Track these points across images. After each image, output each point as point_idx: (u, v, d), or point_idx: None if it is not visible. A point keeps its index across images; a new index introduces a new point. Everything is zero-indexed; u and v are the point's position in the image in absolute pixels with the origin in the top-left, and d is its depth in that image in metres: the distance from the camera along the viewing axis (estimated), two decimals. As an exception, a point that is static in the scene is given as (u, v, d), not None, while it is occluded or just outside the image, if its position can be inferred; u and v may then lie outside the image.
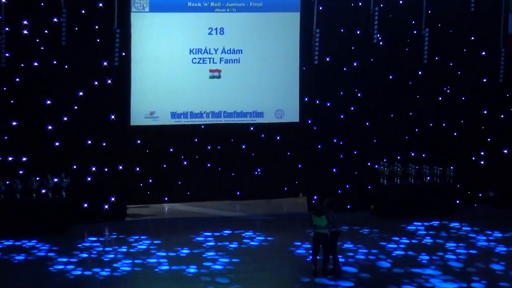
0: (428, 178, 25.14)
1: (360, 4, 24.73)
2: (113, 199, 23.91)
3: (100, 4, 23.23)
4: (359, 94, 25.14)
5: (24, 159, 23.05)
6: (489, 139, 26.08)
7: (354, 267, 19.95)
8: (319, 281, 18.77)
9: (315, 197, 24.09)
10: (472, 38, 25.62)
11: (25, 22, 22.72)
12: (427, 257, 20.77)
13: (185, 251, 21.15)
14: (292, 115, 25.24)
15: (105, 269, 19.64)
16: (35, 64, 22.92)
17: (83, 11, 23.09)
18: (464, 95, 25.78)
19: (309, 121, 25.08)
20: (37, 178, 22.85)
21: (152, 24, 24.06)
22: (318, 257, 19.04)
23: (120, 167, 23.89)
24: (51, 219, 22.58)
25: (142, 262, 20.20)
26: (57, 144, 23.29)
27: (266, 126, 25.48)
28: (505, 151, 26.18)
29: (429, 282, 18.91)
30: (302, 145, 25.50)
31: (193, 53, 24.44)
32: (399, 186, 24.97)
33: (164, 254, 20.86)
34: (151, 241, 22.00)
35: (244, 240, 22.22)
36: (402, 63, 25.32)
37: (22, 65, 22.84)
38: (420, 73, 25.44)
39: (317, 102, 24.97)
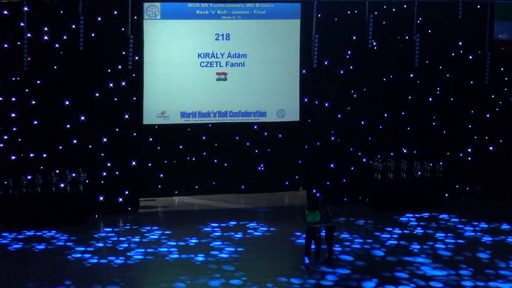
0: (419, 173, 25.10)
1: (356, 12, 24.66)
2: (126, 192, 23.86)
3: (115, 12, 23.17)
4: (355, 95, 25.08)
5: (44, 155, 23.00)
6: (475, 137, 26.04)
7: (350, 255, 19.93)
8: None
9: (313, 191, 24.00)
10: (460, 43, 25.57)
11: (46, 29, 22.67)
12: (418, 246, 20.74)
13: (194, 240, 21.12)
14: (293, 114, 25.17)
15: (120, 258, 19.62)
16: (55, 67, 22.88)
17: (99, 18, 23.03)
18: (452, 96, 25.73)
19: (309, 120, 25.04)
20: (57, 173, 22.83)
21: (163, 31, 23.99)
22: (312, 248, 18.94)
23: (133, 163, 23.84)
24: (70, 211, 22.57)
25: (153, 251, 20.18)
26: (74, 141, 23.24)
27: (269, 125, 25.42)
28: (491, 148, 26.14)
29: (420, 269, 18.88)
30: (302, 143, 25.43)
31: (201, 57, 24.37)
32: (392, 180, 24.93)
33: (174, 243, 20.83)
34: (162, 231, 21.97)
35: (248, 231, 22.19)
36: (395, 66, 25.26)
37: (42, 68, 22.79)
38: (411, 75, 25.38)
39: (316, 102, 24.92)
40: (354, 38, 24.79)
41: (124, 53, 23.30)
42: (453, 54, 25.58)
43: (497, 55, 25.55)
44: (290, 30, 24.75)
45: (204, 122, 24.80)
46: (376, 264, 19.41)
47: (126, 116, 23.65)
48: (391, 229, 22.36)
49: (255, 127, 25.47)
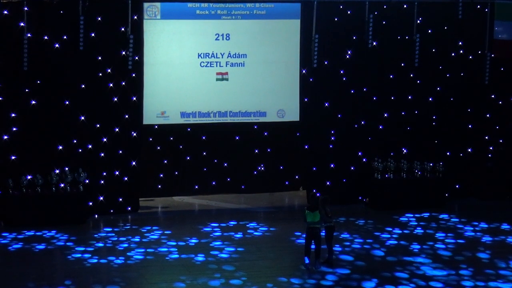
0: (419, 173, 25.09)
1: (356, 11, 24.65)
2: (126, 192, 23.85)
3: (115, 12, 23.16)
4: (355, 95, 25.06)
5: (44, 155, 22.97)
6: (475, 137, 26.03)
7: (350, 255, 19.93)
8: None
9: (313, 191, 23.98)
10: (460, 43, 25.57)
11: (46, 29, 22.64)
12: (418, 246, 20.74)
13: (194, 240, 21.12)
14: (293, 114, 25.15)
15: (120, 258, 19.62)
16: (55, 67, 22.86)
17: (99, 18, 23.02)
18: (452, 96, 25.73)
19: (309, 120, 25.02)
20: (56, 173, 22.83)
21: (163, 31, 23.98)
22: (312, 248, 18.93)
23: (133, 163, 23.84)
24: (69, 211, 22.57)
25: (153, 251, 20.18)
26: (75, 141, 23.24)
27: (269, 125, 25.41)
28: (491, 148, 26.14)
29: (420, 269, 18.88)
30: (302, 143, 25.42)
31: (201, 57, 24.36)
32: (392, 180, 24.92)
33: (174, 243, 20.83)
34: (162, 231, 21.97)
35: (248, 231, 22.19)
36: (395, 66, 25.26)
37: (42, 68, 22.79)
38: (411, 75, 25.37)
39: (316, 102, 24.90)
40: (354, 38, 24.79)
41: (124, 53, 23.30)
42: (453, 54, 25.58)
43: (497, 55, 25.55)
44: (290, 30, 24.74)
45: (204, 122, 24.77)
46: (376, 264, 19.42)
47: (126, 116, 23.64)
48: (391, 229, 22.37)
49: (255, 127, 25.47)
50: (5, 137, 22.68)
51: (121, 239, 21.25)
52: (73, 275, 18.29)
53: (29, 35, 22.38)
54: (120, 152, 23.69)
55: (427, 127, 25.68)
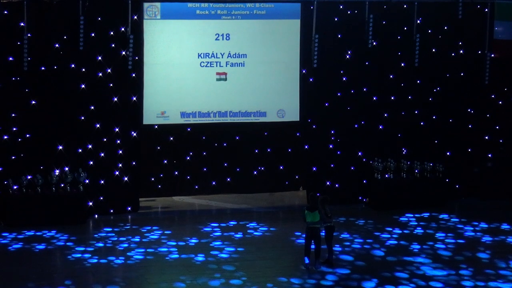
0: (419, 173, 25.08)
1: (356, 11, 24.66)
2: (126, 192, 23.84)
3: (115, 12, 23.17)
4: (355, 95, 25.06)
5: (44, 155, 22.97)
6: (475, 137, 26.02)
7: (350, 255, 19.92)
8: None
9: (313, 191, 23.96)
10: (460, 43, 25.57)
11: (46, 29, 22.65)
12: (418, 246, 20.74)
13: (194, 240, 21.12)
14: (293, 114, 25.14)
15: (120, 258, 19.62)
16: (55, 67, 22.87)
17: (99, 18, 23.04)
18: (452, 96, 25.72)
19: (309, 120, 25.03)
20: (56, 173, 22.83)
21: (163, 31, 23.98)
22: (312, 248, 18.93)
23: (134, 163, 23.84)
24: (70, 211, 22.56)
25: (153, 251, 20.17)
26: (75, 141, 23.22)
27: (269, 125, 25.38)
28: (490, 148, 26.13)
29: (420, 269, 18.88)
30: (302, 143, 25.43)
31: (201, 57, 24.36)
32: (392, 180, 24.91)
33: (174, 243, 20.83)
34: (162, 231, 21.97)
35: (248, 231, 22.18)
36: (395, 66, 25.26)
37: (42, 68, 22.79)
38: (411, 75, 25.37)
39: (316, 102, 24.90)
40: (354, 38, 24.79)
41: (124, 53, 23.31)
42: (453, 54, 25.58)
43: (497, 55, 25.55)
44: (290, 30, 24.74)
45: (204, 122, 24.75)
46: (376, 264, 19.41)
47: (126, 116, 23.64)
48: (391, 229, 22.36)
49: (255, 127, 25.43)
50: (5, 137, 22.69)
51: (121, 239, 21.25)
52: (73, 275, 18.29)
53: (29, 35, 22.39)
54: (120, 152, 23.68)
55: (427, 127, 25.68)
